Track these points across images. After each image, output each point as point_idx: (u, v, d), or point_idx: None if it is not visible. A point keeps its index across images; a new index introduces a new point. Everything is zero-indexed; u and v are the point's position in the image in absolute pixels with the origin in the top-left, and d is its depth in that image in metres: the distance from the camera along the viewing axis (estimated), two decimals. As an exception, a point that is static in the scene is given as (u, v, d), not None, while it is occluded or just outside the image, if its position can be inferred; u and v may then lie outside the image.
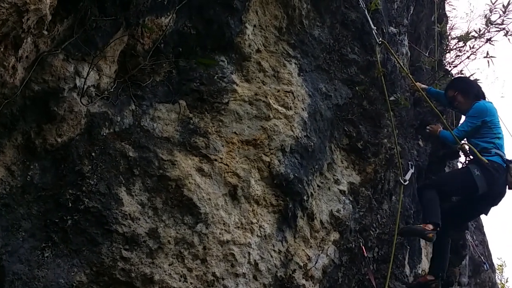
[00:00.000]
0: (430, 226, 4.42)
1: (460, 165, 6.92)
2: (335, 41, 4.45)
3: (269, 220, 3.43)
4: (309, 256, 3.71)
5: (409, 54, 6.05)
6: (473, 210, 5.15)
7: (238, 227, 3.22)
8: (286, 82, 3.78)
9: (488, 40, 6.09)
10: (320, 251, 3.85)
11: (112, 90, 2.87)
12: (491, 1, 5.92)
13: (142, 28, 2.93)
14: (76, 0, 2.34)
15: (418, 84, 5.43)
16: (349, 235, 4.18)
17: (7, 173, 2.40)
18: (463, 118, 6.23)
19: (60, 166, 2.59)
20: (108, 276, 2.63)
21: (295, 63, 3.98)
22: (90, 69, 2.61)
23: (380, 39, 4.63)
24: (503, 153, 4.78)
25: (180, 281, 2.87)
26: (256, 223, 3.32)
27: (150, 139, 2.99)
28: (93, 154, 2.71)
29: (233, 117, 3.41)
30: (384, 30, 5.04)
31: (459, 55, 6.46)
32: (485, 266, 8.15)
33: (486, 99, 5.20)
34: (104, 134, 2.80)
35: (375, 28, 4.60)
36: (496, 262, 10.43)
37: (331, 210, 4.01)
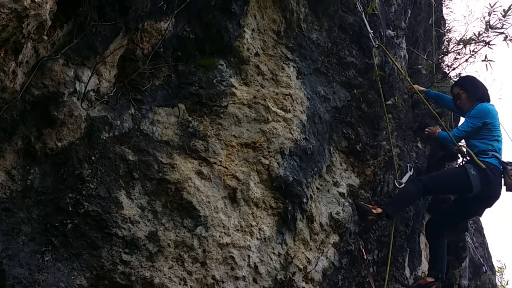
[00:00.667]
0: (379, 210, 4.38)
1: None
2: (333, 45, 4.48)
3: (269, 223, 3.44)
4: (309, 259, 3.71)
5: (407, 57, 6.07)
6: (467, 211, 5.14)
7: (238, 230, 3.23)
8: (285, 85, 3.80)
9: (487, 43, 6.10)
10: (320, 254, 3.86)
11: (111, 94, 2.89)
12: (490, 5, 5.93)
13: (141, 32, 2.95)
14: (75, 5, 2.35)
15: (416, 86, 5.45)
16: (348, 237, 4.19)
17: (8, 178, 2.41)
18: (461, 120, 6.25)
19: (60, 170, 2.61)
20: (108, 279, 2.64)
21: (293, 66, 4.00)
22: (92, 74, 2.63)
23: (377, 42, 4.65)
24: (500, 155, 4.79)
25: (180, 284, 2.88)
26: (256, 225, 3.33)
27: (149, 142, 3.00)
28: (93, 158, 2.73)
29: (232, 120, 3.42)
30: (382, 33, 5.06)
31: (457, 58, 6.47)
32: (484, 268, 8.14)
33: (490, 102, 5.19)
34: (104, 138, 2.81)
35: (371, 31, 4.62)
36: (496, 264, 10.43)
37: (331, 212, 4.02)
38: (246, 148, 3.42)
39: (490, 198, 4.87)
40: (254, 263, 3.27)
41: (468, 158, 4.88)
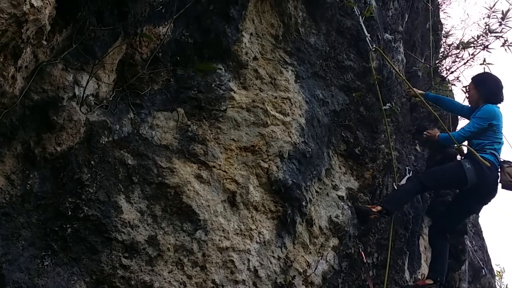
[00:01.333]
0: (379, 208, 4.41)
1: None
2: (331, 48, 4.49)
3: (268, 227, 3.44)
4: (308, 262, 3.71)
5: (404, 61, 6.09)
6: (465, 208, 5.18)
7: (237, 233, 3.23)
8: (283, 88, 3.81)
9: (485, 47, 6.10)
10: (320, 257, 3.86)
11: (110, 99, 2.89)
12: (490, 7, 5.93)
13: (140, 37, 2.95)
14: (74, 10, 2.36)
15: (414, 89, 5.46)
16: (348, 240, 4.19)
17: (7, 182, 2.40)
18: (460, 123, 6.27)
19: (59, 174, 2.61)
20: (108, 284, 2.64)
21: (291, 70, 4.01)
22: (90, 79, 2.63)
23: (374, 45, 4.67)
24: (498, 154, 4.83)
25: (180, 288, 2.88)
26: (255, 229, 3.33)
27: (148, 147, 3.01)
28: (92, 162, 2.73)
29: (231, 124, 3.43)
30: (380, 37, 5.08)
31: (456, 61, 6.48)
32: (483, 271, 8.14)
33: (500, 104, 5.18)
34: (103, 142, 2.81)
35: (369, 35, 4.64)
36: (495, 268, 10.42)
37: (330, 215, 4.03)
38: (245, 151, 3.43)
39: (486, 193, 4.92)
40: (254, 266, 3.27)
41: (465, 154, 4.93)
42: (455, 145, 4.95)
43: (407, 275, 5.34)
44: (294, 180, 3.61)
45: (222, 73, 3.54)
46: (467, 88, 5.28)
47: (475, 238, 9.02)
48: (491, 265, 9.46)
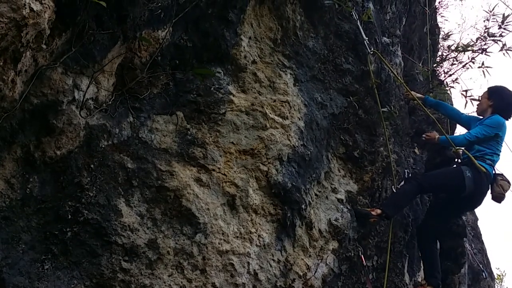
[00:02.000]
0: (378, 211, 4.42)
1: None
2: (330, 52, 4.51)
3: (268, 230, 3.44)
4: (308, 266, 3.71)
5: (402, 65, 6.11)
6: (456, 213, 5.28)
7: (237, 236, 3.23)
8: (282, 92, 3.82)
9: (484, 50, 6.10)
10: (320, 260, 3.86)
11: (110, 102, 2.90)
12: (489, 10, 5.94)
13: (139, 41, 2.96)
14: (73, 14, 2.37)
15: (413, 93, 5.48)
16: (348, 243, 4.19)
17: (7, 186, 2.41)
18: (458, 127, 6.29)
19: (59, 178, 2.61)
20: (108, 287, 2.63)
21: (290, 74, 4.02)
22: (90, 83, 2.64)
23: (372, 49, 4.69)
24: (494, 165, 4.94)
25: (180, 291, 2.88)
26: (255, 232, 3.33)
27: (148, 150, 3.01)
28: (92, 166, 2.73)
29: (230, 127, 3.44)
30: (378, 40, 5.10)
31: (454, 63, 6.49)
32: (483, 274, 8.14)
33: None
34: (103, 146, 2.82)
35: (367, 38, 4.66)
36: (495, 272, 10.42)
37: (329, 218, 4.03)
38: (245, 155, 3.44)
39: (477, 201, 5.08)
40: (254, 270, 3.27)
41: (462, 160, 4.96)
42: (453, 148, 4.99)
43: (407, 278, 5.33)
44: (294, 183, 3.61)
45: (221, 76, 3.55)
46: (479, 96, 5.37)
47: (474, 241, 9.03)
48: (491, 268, 9.46)
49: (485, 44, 5.79)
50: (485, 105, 5.20)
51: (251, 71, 3.75)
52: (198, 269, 2.99)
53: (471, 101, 5.81)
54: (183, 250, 2.94)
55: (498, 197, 4.95)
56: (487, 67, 5.78)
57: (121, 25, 2.69)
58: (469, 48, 5.82)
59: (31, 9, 2.04)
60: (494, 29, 6.01)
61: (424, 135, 5.52)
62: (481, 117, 5.21)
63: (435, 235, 5.27)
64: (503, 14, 5.56)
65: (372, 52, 4.69)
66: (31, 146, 2.48)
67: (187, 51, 3.38)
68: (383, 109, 4.68)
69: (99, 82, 2.78)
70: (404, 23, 6.79)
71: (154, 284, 2.77)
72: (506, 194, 4.96)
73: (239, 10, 3.61)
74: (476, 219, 9.64)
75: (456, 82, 6.81)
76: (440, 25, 8.48)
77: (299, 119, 3.85)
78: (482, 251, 9.18)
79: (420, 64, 6.89)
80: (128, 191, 2.84)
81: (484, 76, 5.91)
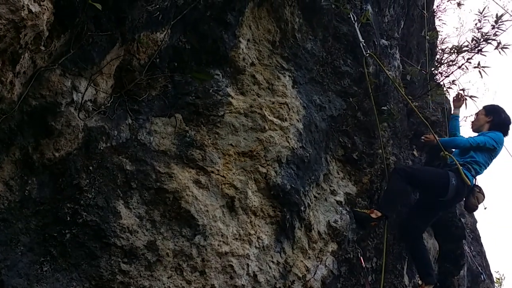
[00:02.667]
0: (378, 214, 4.42)
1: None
2: (328, 54, 4.52)
3: (267, 231, 3.44)
4: (307, 267, 3.71)
5: (401, 67, 6.12)
6: (437, 213, 5.32)
7: (236, 238, 3.23)
8: (281, 94, 3.83)
9: (479, 50, 6.10)
10: (319, 262, 3.85)
11: (108, 104, 2.90)
12: (480, 12, 5.96)
13: (137, 43, 2.97)
14: (72, 16, 2.37)
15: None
16: (347, 245, 4.19)
17: (5, 188, 2.40)
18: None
19: (58, 180, 2.60)
20: (107, 289, 2.63)
21: (289, 76, 4.03)
22: (89, 85, 2.64)
23: (368, 51, 4.70)
24: (476, 177, 5.10)
25: (179, 293, 2.87)
26: (254, 234, 3.33)
27: (147, 152, 3.01)
28: (90, 168, 2.73)
29: (229, 129, 3.44)
30: (376, 43, 5.11)
31: (451, 65, 6.49)
32: (482, 276, 8.14)
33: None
34: (101, 148, 2.82)
35: (363, 40, 4.67)
36: (494, 275, 10.41)
37: (329, 220, 4.03)
38: (244, 156, 3.44)
39: (449, 206, 5.41)
40: (253, 271, 3.27)
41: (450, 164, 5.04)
42: (442, 152, 5.06)
43: (406, 279, 5.33)
44: (293, 185, 3.61)
45: (219, 78, 3.55)
46: (476, 113, 5.53)
47: (473, 243, 9.02)
48: (490, 271, 9.45)
49: (479, 45, 5.79)
50: (482, 121, 5.39)
51: (250, 73, 3.76)
52: (198, 271, 2.99)
53: (470, 98, 5.85)
54: (182, 252, 2.93)
55: (471, 208, 5.19)
56: (484, 67, 5.78)
57: (120, 27, 2.69)
58: (464, 49, 5.82)
59: (30, 11, 2.04)
60: (488, 30, 6.02)
61: (423, 137, 5.54)
62: (476, 134, 5.39)
63: (421, 234, 5.30)
64: (496, 14, 5.58)
65: (368, 55, 4.70)
66: (30, 148, 2.47)
67: (186, 53, 3.38)
68: (382, 108, 4.70)
69: (97, 84, 2.78)
70: (402, 26, 6.81)
71: (153, 285, 2.77)
72: (479, 206, 5.18)
73: (238, 12, 3.62)
74: (475, 221, 9.63)
75: (454, 84, 6.81)
76: (438, 28, 8.52)
77: (298, 121, 3.85)
78: (481, 253, 9.17)
79: (419, 67, 6.89)
80: (127, 193, 2.84)
81: (481, 76, 5.91)
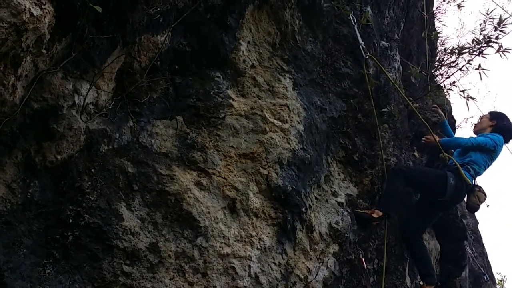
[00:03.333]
0: (380, 213, 4.41)
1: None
2: (328, 56, 4.53)
3: (269, 233, 3.44)
4: (309, 269, 3.71)
5: (401, 69, 6.13)
6: (436, 213, 5.32)
7: (238, 240, 3.23)
8: (281, 96, 3.84)
9: (480, 52, 6.10)
10: (320, 263, 3.86)
11: (110, 107, 2.91)
12: (486, 12, 5.93)
13: (138, 46, 2.98)
14: (73, 19, 2.38)
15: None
16: (348, 247, 4.19)
17: (8, 191, 2.41)
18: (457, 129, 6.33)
19: (60, 182, 2.61)
20: (109, 291, 2.63)
21: (289, 78, 4.04)
22: (90, 87, 2.65)
23: (368, 53, 4.71)
24: (475, 178, 5.11)
25: (181, 295, 2.87)
26: (256, 236, 3.34)
27: (148, 154, 3.02)
28: (92, 170, 2.74)
29: (230, 131, 3.45)
30: (376, 44, 5.12)
31: (452, 66, 6.49)
32: (484, 277, 8.13)
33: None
34: (103, 150, 2.83)
35: (363, 42, 4.68)
36: (496, 277, 10.39)
37: (330, 222, 4.03)
38: (245, 158, 3.44)
39: (450, 207, 5.41)
40: (255, 273, 3.27)
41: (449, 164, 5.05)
42: (441, 154, 5.08)
43: (408, 281, 5.32)
44: (294, 187, 3.62)
45: (220, 81, 3.56)
46: (480, 116, 5.57)
47: (475, 244, 9.01)
48: (492, 272, 9.44)
49: (481, 47, 5.79)
50: (485, 124, 5.44)
51: (250, 75, 3.77)
52: (199, 273, 2.99)
53: (471, 98, 5.86)
54: (184, 253, 2.94)
55: (473, 207, 5.15)
56: (484, 69, 5.78)
57: (121, 30, 2.70)
58: (465, 50, 5.82)
59: (31, 14, 2.05)
60: (491, 33, 6.01)
61: (423, 138, 5.54)
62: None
63: (420, 235, 5.30)
64: (500, 16, 5.57)
65: (367, 57, 4.71)
66: (32, 151, 2.48)
67: (186, 56, 3.40)
68: (383, 110, 4.71)
69: (99, 87, 2.79)
70: (402, 28, 6.82)
71: (155, 287, 2.77)
72: (481, 205, 5.16)
73: (238, 15, 3.64)
74: (477, 223, 9.63)
75: (454, 85, 6.80)
76: (438, 30, 8.52)
77: (299, 123, 3.86)
78: (482, 254, 9.16)
79: (419, 68, 6.89)
80: (129, 195, 2.85)
81: (481, 78, 5.91)
